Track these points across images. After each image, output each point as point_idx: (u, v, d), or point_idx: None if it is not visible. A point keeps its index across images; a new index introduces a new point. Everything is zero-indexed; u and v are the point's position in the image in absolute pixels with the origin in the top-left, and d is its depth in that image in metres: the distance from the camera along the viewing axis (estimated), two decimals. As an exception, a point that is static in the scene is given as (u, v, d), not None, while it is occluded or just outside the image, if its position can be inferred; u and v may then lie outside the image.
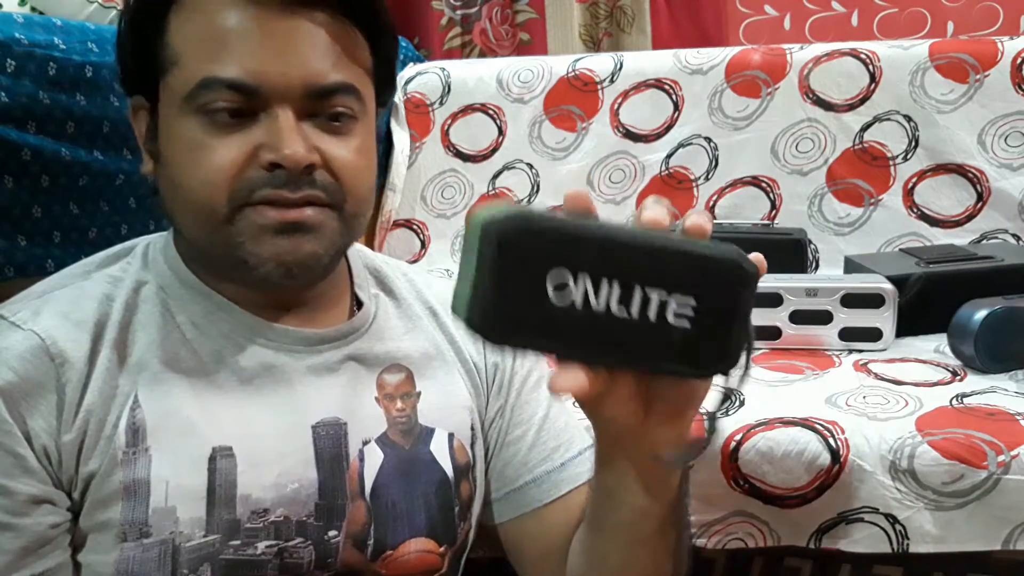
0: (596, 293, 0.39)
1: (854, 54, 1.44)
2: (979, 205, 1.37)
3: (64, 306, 0.61)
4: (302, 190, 0.59)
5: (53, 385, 0.58)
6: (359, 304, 0.70)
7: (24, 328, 0.59)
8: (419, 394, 0.69)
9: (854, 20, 1.97)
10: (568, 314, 0.39)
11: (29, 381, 0.57)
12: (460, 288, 0.41)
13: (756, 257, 0.41)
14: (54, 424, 0.57)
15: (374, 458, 0.65)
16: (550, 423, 0.72)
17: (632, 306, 0.40)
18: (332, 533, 0.63)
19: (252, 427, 0.61)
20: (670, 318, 0.40)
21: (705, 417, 0.48)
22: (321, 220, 0.60)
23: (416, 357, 0.70)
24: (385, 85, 0.67)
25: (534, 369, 0.74)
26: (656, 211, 0.42)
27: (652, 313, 0.40)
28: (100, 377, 0.59)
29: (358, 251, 0.75)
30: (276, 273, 0.59)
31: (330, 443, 0.64)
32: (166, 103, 0.61)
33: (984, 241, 1.35)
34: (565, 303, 0.39)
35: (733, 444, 0.84)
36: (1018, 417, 0.84)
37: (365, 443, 0.65)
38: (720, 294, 0.41)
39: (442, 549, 0.67)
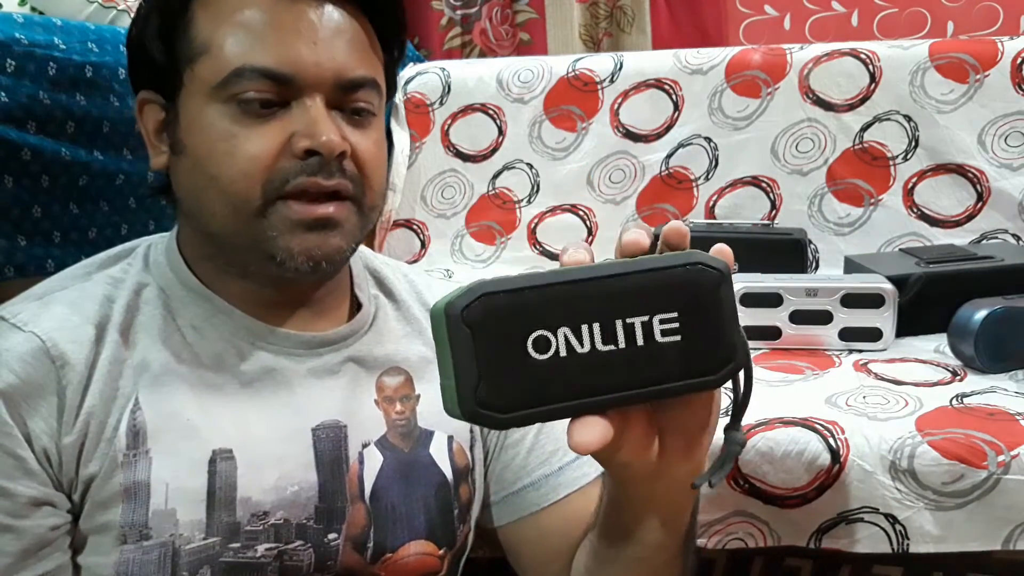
0: (579, 340, 0.39)
1: (854, 54, 1.44)
2: (979, 205, 1.37)
3: (65, 308, 0.60)
4: (335, 178, 0.59)
5: (54, 387, 0.57)
6: (358, 305, 0.70)
7: (25, 330, 0.59)
8: (418, 397, 0.69)
9: (854, 20, 1.97)
10: (557, 367, 0.38)
11: (30, 383, 0.57)
12: (445, 383, 0.40)
13: (719, 249, 0.41)
14: (54, 426, 0.57)
15: (374, 461, 0.65)
16: (549, 427, 0.72)
17: (618, 339, 0.39)
18: (332, 536, 0.63)
19: (252, 430, 0.61)
20: (658, 337, 0.40)
21: (724, 430, 0.47)
22: (345, 215, 0.61)
23: (415, 360, 0.70)
24: (393, 88, 0.68)
25: None
26: (635, 233, 0.41)
27: (639, 338, 0.39)
28: (101, 379, 0.59)
29: (358, 251, 0.75)
30: (305, 267, 0.60)
31: (330, 446, 0.64)
32: (192, 93, 0.60)
33: (984, 241, 1.35)
34: (549, 358, 0.38)
35: (733, 444, 0.83)
36: (1018, 417, 0.84)
37: (364, 446, 0.65)
38: (697, 299, 0.40)
39: (441, 552, 0.67)
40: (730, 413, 0.46)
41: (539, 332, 0.38)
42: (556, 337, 0.38)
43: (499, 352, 0.38)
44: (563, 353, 0.38)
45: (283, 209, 0.59)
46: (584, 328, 0.39)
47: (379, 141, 0.64)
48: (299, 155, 0.58)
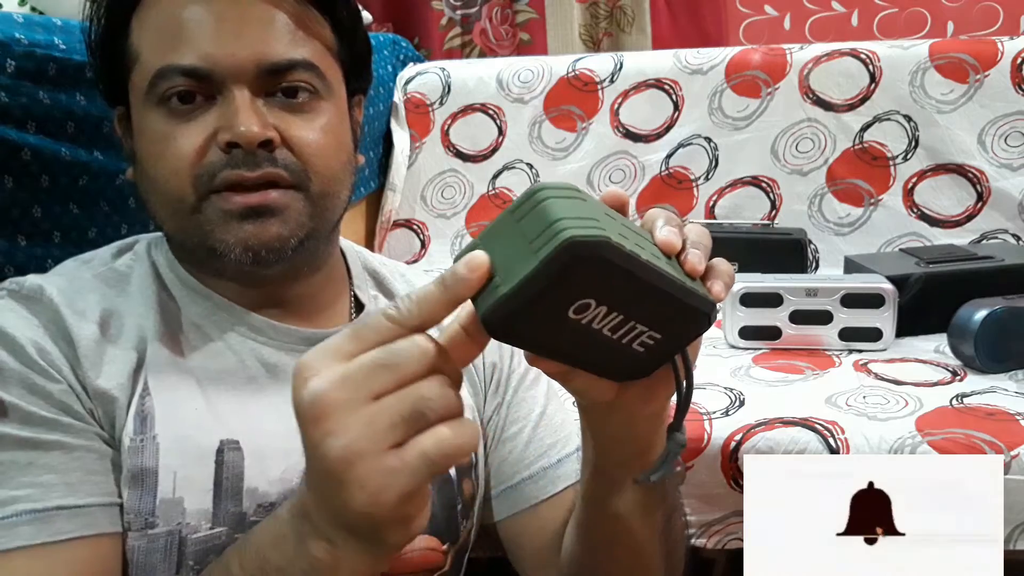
0: (603, 319, 0.40)
1: (854, 54, 1.44)
2: (979, 205, 1.37)
3: (66, 297, 0.61)
4: (261, 168, 0.58)
5: (69, 364, 0.57)
6: (359, 306, 0.70)
7: (34, 296, 0.59)
8: None
9: (854, 20, 1.97)
10: (570, 328, 0.39)
11: (49, 352, 0.57)
12: (503, 271, 0.38)
13: (717, 293, 0.43)
14: (81, 390, 0.57)
15: None
16: (547, 420, 0.72)
17: (618, 333, 0.41)
18: None
19: (257, 422, 0.61)
20: (635, 344, 0.42)
21: (667, 430, 0.48)
22: (286, 202, 0.60)
23: None
24: (357, 69, 0.67)
25: (531, 367, 0.74)
26: (670, 236, 0.43)
27: (627, 339, 0.42)
28: (112, 362, 0.59)
29: (356, 252, 0.74)
30: (244, 259, 0.59)
31: None
32: (134, 103, 0.62)
33: (984, 241, 1.35)
34: (574, 320, 0.39)
35: (733, 444, 0.84)
36: (1018, 417, 0.84)
37: None
38: (681, 335, 0.44)
39: (445, 547, 0.67)
40: (673, 416, 0.48)
41: (595, 300, 0.38)
42: (595, 308, 0.39)
43: (558, 298, 0.37)
44: (583, 322, 0.39)
45: (217, 201, 0.59)
46: (615, 313, 0.40)
47: (326, 126, 0.62)
48: (223, 148, 0.58)
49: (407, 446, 0.38)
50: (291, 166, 0.60)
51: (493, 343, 0.76)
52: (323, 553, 0.42)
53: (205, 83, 0.59)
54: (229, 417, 0.61)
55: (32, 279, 0.61)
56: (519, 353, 0.74)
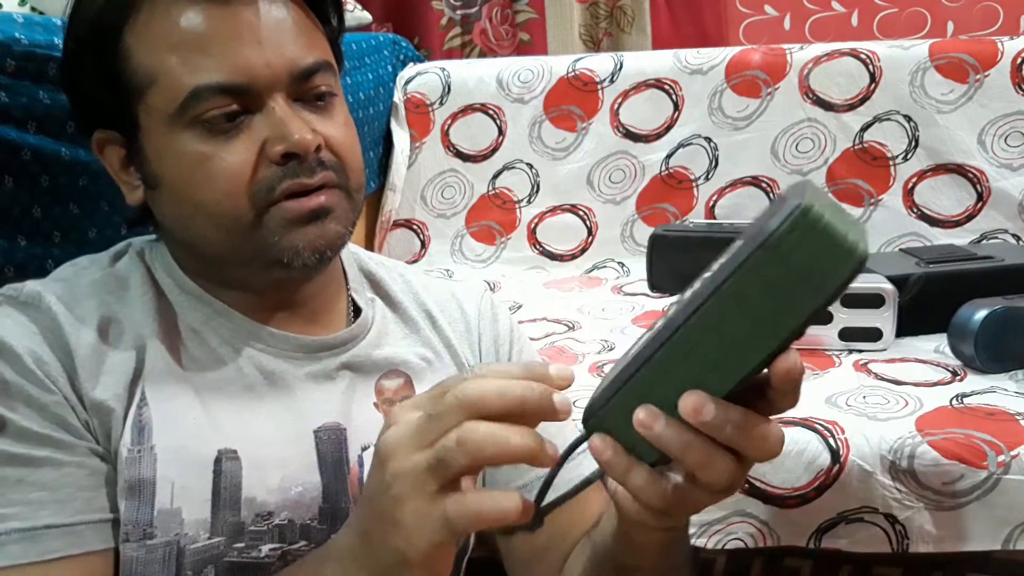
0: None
1: (854, 54, 1.44)
2: (979, 205, 1.37)
3: (68, 301, 0.60)
4: (318, 173, 0.59)
5: (64, 373, 0.57)
6: (356, 308, 0.70)
7: (31, 303, 0.59)
8: None
9: (854, 20, 1.97)
10: None
11: (46, 362, 0.57)
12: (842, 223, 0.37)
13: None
14: (76, 401, 0.57)
15: None
16: (542, 428, 0.71)
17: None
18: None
19: (255, 431, 0.61)
20: None
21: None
22: (335, 201, 0.61)
23: (414, 363, 0.69)
24: (339, 54, 0.67)
25: None
26: (696, 402, 0.42)
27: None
28: (110, 372, 0.59)
29: (352, 253, 0.74)
30: (312, 260, 0.60)
31: (332, 447, 0.63)
32: (152, 125, 0.59)
33: (984, 241, 1.35)
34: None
35: (733, 444, 0.84)
36: (1018, 417, 0.84)
37: (364, 449, 0.65)
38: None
39: None
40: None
41: None
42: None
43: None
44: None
45: (277, 213, 0.58)
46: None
47: (346, 120, 0.63)
48: (277, 160, 0.58)
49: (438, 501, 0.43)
50: (334, 166, 0.60)
51: (491, 346, 0.76)
52: None
53: (242, 97, 0.57)
54: (227, 426, 0.60)
55: (30, 285, 0.60)
56: (515, 356, 0.74)
